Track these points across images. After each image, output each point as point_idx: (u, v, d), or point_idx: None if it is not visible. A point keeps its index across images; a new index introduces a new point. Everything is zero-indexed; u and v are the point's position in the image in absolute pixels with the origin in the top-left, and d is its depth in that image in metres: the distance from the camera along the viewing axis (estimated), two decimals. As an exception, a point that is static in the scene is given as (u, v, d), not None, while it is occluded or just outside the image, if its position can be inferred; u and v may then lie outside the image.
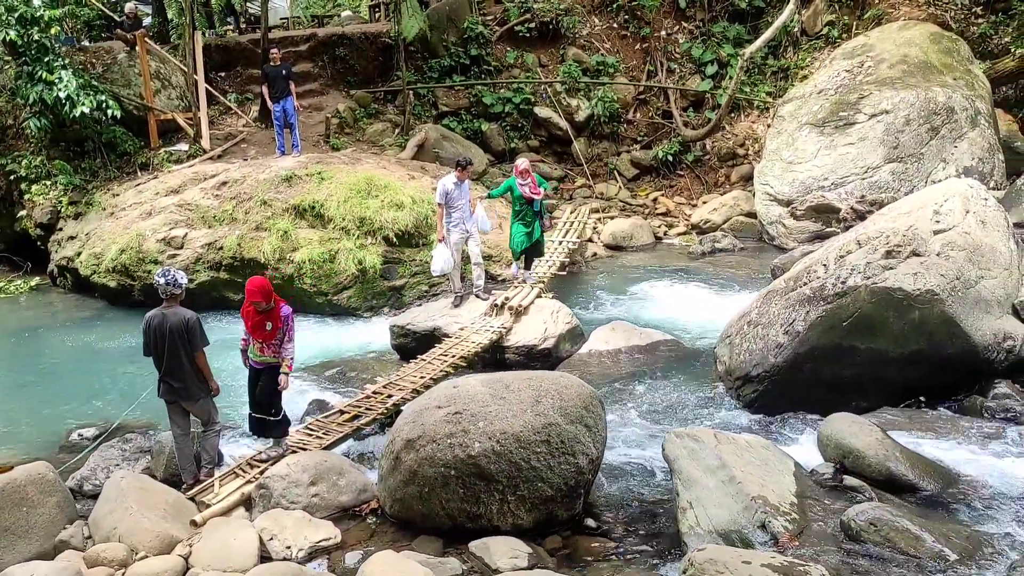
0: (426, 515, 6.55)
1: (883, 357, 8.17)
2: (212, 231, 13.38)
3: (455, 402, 6.80)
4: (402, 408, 8.17)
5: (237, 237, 13.09)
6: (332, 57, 19.60)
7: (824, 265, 8.81)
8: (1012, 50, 17.28)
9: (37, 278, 15.63)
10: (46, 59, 14.65)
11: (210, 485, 7.28)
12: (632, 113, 20.48)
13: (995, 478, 6.85)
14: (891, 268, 8.26)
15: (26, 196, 15.57)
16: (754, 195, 16.84)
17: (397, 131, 18.51)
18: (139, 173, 15.72)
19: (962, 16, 18.27)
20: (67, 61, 15.04)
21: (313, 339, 11.96)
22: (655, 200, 18.83)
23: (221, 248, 13.10)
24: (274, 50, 15.79)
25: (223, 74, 19.31)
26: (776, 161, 16.20)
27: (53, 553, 6.45)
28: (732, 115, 19.46)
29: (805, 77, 18.28)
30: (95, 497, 7.08)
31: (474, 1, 21.38)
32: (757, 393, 8.65)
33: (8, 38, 14.40)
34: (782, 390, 8.49)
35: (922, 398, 8.39)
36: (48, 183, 15.47)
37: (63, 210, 15.22)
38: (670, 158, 19.21)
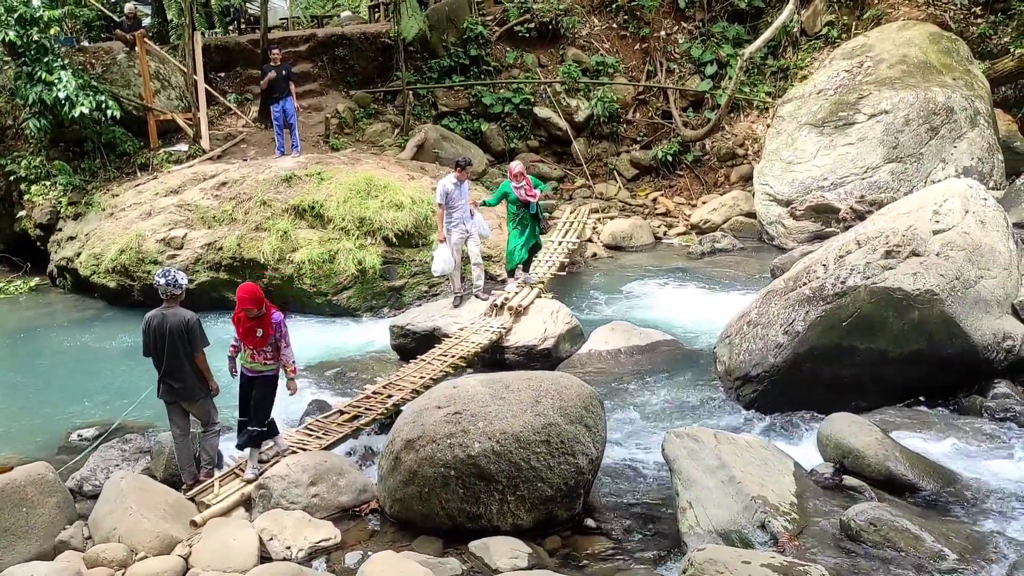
0: (426, 515, 6.55)
1: (883, 357, 8.18)
2: (212, 231, 13.38)
3: (455, 402, 6.80)
4: (402, 408, 8.17)
5: (237, 237, 13.09)
6: (332, 57, 19.60)
7: (824, 265, 8.81)
8: (1011, 50, 17.28)
9: (37, 278, 15.62)
10: (45, 59, 14.65)
11: (210, 485, 7.28)
12: (632, 113, 20.49)
13: (995, 478, 6.85)
14: (891, 268, 8.26)
15: (26, 196, 15.57)
16: (754, 195, 16.84)
17: (397, 131, 18.51)
18: (139, 173, 15.72)
19: (961, 16, 18.28)
20: (67, 61, 15.04)
21: (313, 339, 11.96)
22: (655, 200, 18.84)
23: (221, 248, 13.10)
24: (275, 50, 15.78)
25: (223, 74, 19.30)
26: (776, 161, 16.20)
27: (53, 553, 6.45)
28: (732, 115, 19.47)
29: (804, 77, 18.28)
30: (95, 497, 7.07)
31: (474, 1, 21.39)
32: (757, 393, 8.66)
33: (7, 38, 14.40)
34: (782, 390, 8.49)
35: (922, 398, 8.39)
36: (48, 183, 15.47)
37: (63, 210, 15.22)
38: (670, 158, 19.21)
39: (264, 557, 6.21)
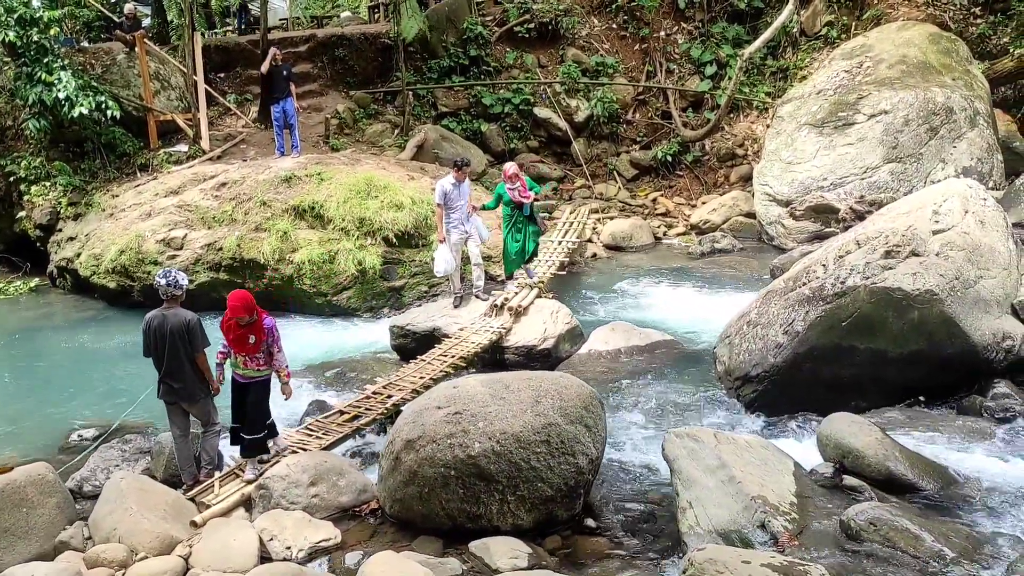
0: (426, 515, 6.55)
1: (882, 357, 8.18)
2: (212, 232, 13.39)
3: (455, 402, 6.80)
4: (402, 408, 8.17)
5: (237, 238, 13.10)
6: (331, 58, 19.61)
7: (823, 265, 8.82)
8: (1011, 50, 17.28)
9: (36, 279, 15.63)
10: (45, 60, 14.67)
11: (210, 486, 7.28)
12: (631, 113, 20.50)
13: (995, 477, 6.86)
14: (890, 268, 8.27)
15: (25, 197, 15.58)
16: (753, 195, 16.85)
17: (396, 132, 18.52)
18: (138, 174, 15.73)
19: (961, 16, 18.29)
20: (66, 62, 15.06)
21: (313, 340, 11.97)
22: (654, 200, 18.85)
23: (221, 249, 13.11)
24: (274, 50, 15.77)
25: (222, 75, 19.31)
26: (775, 161, 16.20)
27: (53, 554, 6.45)
28: (731, 115, 19.48)
29: (804, 77, 18.29)
30: (95, 498, 7.07)
31: (473, 2, 21.40)
32: (757, 393, 8.66)
33: (7, 39, 14.42)
34: (781, 390, 8.50)
35: (921, 398, 8.39)
36: (47, 184, 15.48)
37: (62, 211, 15.23)
38: (669, 158, 19.23)
39: (264, 557, 6.21)
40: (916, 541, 5.72)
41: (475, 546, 6.17)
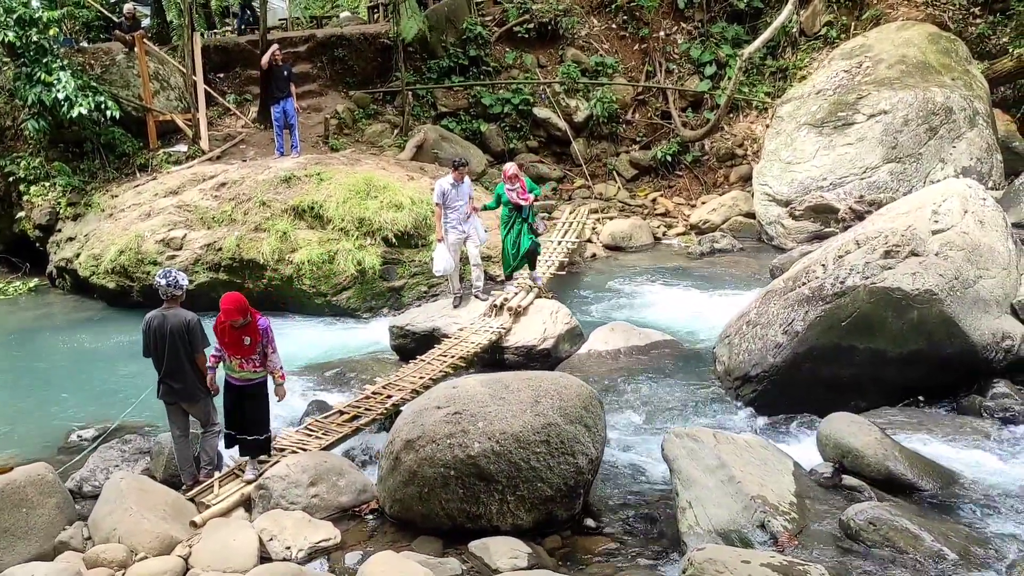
0: (426, 515, 6.55)
1: (882, 357, 8.18)
2: (211, 232, 13.38)
3: (454, 402, 6.80)
4: (401, 408, 8.17)
5: (236, 238, 13.09)
6: (331, 58, 19.61)
7: (823, 265, 8.82)
8: (1010, 50, 17.29)
9: (36, 279, 15.64)
10: (44, 60, 14.67)
11: (209, 486, 7.28)
12: (631, 114, 20.50)
13: (994, 477, 6.86)
14: (890, 268, 8.28)
15: (25, 197, 15.58)
16: (753, 195, 16.86)
17: (396, 132, 18.52)
18: (138, 174, 15.73)
19: (960, 16, 18.29)
20: (66, 62, 15.06)
21: (312, 340, 11.97)
22: (654, 200, 18.85)
23: (220, 249, 13.11)
24: (275, 47, 15.75)
25: (222, 75, 19.31)
26: (775, 161, 16.21)
27: (53, 554, 6.44)
28: (731, 115, 19.48)
29: (804, 77, 18.30)
30: (95, 498, 7.06)
31: (473, 2, 21.40)
32: (756, 393, 8.66)
33: (7, 39, 14.41)
34: (781, 390, 8.50)
35: (921, 398, 8.40)
36: (47, 184, 15.48)
37: (62, 211, 15.23)
38: (669, 158, 19.23)
39: (264, 557, 6.21)
40: (916, 541, 5.72)
41: (475, 546, 6.17)
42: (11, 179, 15.71)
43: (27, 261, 16.22)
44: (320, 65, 19.58)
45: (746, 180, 18.11)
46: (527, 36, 20.83)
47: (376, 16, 23.18)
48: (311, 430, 8.10)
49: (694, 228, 17.28)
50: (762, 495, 6.11)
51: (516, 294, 11.33)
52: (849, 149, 15.30)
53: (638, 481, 7.43)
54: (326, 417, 8.39)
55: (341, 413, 8.41)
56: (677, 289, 13.49)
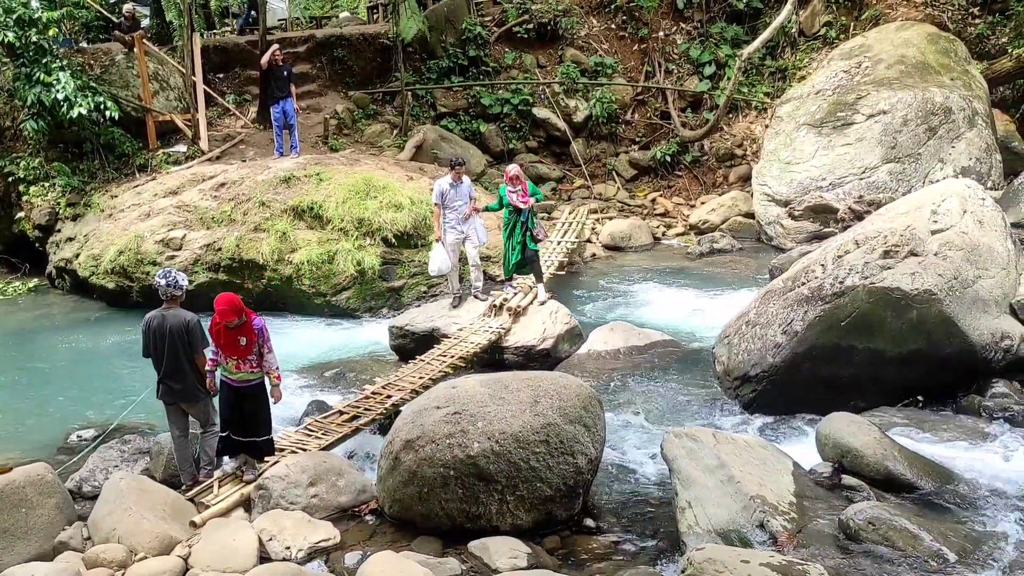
0: (425, 515, 6.56)
1: (881, 357, 8.19)
2: (211, 232, 13.39)
3: (454, 402, 6.81)
4: (401, 408, 8.18)
5: (236, 238, 13.10)
6: (330, 58, 19.60)
7: (822, 265, 8.82)
8: (1009, 50, 17.29)
9: (35, 280, 15.63)
10: (44, 61, 14.65)
11: (209, 486, 7.28)
12: (630, 114, 20.50)
13: (993, 477, 6.86)
14: (889, 268, 8.28)
15: (24, 198, 15.57)
16: (752, 195, 16.86)
17: (395, 132, 18.52)
18: (137, 174, 15.72)
19: (959, 17, 18.31)
20: (65, 63, 15.04)
21: (312, 340, 11.98)
22: (653, 201, 18.85)
23: (220, 249, 13.11)
24: (275, 47, 15.75)
25: (221, 75, 19.31)
26: (774, 161, 16.22)
27: (52, 554, 6.44)
28: (730, 116, 19.48)
29: (803, 78, 18.30)
30: (94, 498, 7.06)
31: (472, 2, 21.40)
32: (756, 393, 8.66)
33: (6, 40, 14.39)
34: (780, 390, 8.50)
35: (920, 398, 8.40)
36: (46, 184, 15.48)
37: (61, 211, 15.23)
38: (668, 159, 19.23)
39: (264, 557, 6.21)
40: (915, 540, 5.72)
41: (474, 546, 6.18)
42: (10, 179, 15.70)
43: (26, 261, 16.21)
44: (319, 65, 19.58)
45: (745, 180, 18.11)
46: (526, 36, 20.82)
47: (375, 16, 23.16)
48: (310, 430, 8.11)
49: (693, 228, 17.28)
50: (761, 495, 6.11)
51: (515, 294, 11.33)
52: (848, 149, 15.30)
53: (637, 481, 7.43)
54: (325, 417, 8.39)
55: (341, 413, 8.41)
56: (676, 289, 13.50)
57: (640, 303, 12.94)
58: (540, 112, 19.73)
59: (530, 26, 20.81)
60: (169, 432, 7.48)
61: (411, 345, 10.83)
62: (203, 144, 16.37)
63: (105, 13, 19.66)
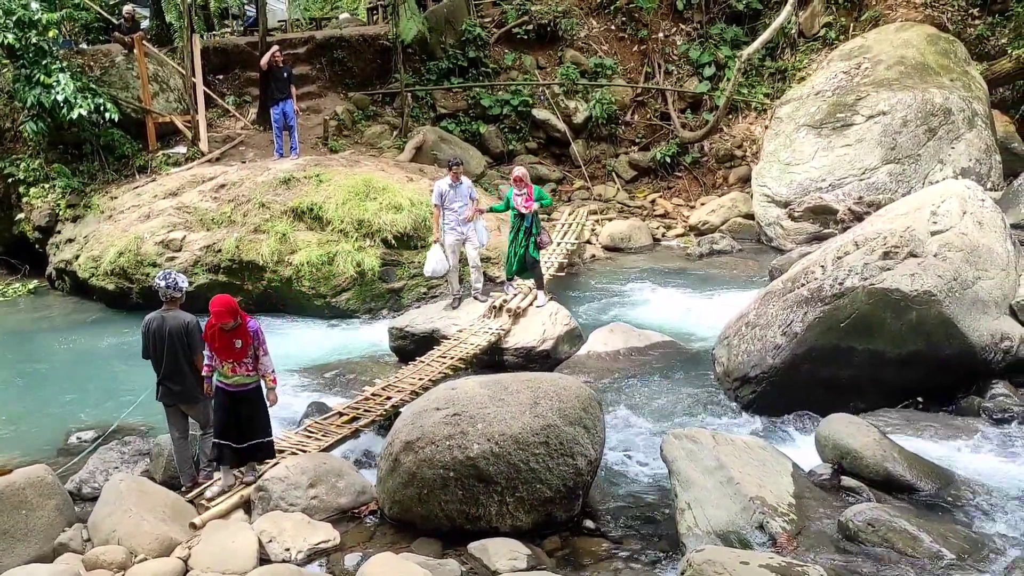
0: (425, 517, 6.56)
1: (881, 358, 8.19)
2: (210, 233, 13.39)
3: (454, 404, 6.81)
4: (401, 410, 8.18)
5: (235, 239, 13.10)
6: (330, 59, 19.61)
7: (822, 266, 8.83)
8: (1009, 51, 17.30)
9: (35, 281, 15.64)
10: (44, 62, 14.66)
11: (208, 487, 7.28)
12: (630, 115, 20.52)
13: (993, 478, 6.87)
14: (888, 269, 8.28)
15: (24, 199, 15.58)
16: (752, 196, 16.86)
17: (395, 133, 18.52)
18: (137, 176, 15.74)
19: (959, 18, 18.31)
20: (65, 64, 15.06)
21: (312, 341, 11.98)
22: (653, 202, 18.86)
23: (220, 250, 13.11)
24: (275, 48, 15.75)
25: (221, 77, 19.32)
26: (774, 162, 16.23)
27: (52, 556, 6.44)
28: (730, 117, 19.50)
29: (803, 79, 18.31)
30: (94, 500, 7.06)
31: (472, 3, 21.41)
32: (755, 394, 8.66)
33: (6, 41, 14.40)
34: (780, 391, 8.50)
35: (920, 399, 8.40)
36: (46, 186, 15.49)
37: (61, 213, 15.24)
38: (668, 160, 19.24)
39: (263, 559, 6.21)
40: (914, 542, 5.72)
41: (474, 547, 6.18)
42: (10, 181, 15.71)
43: (26, 263, 16.22)
44: (319, 67, 19.58)
45: (745, 181, 18.11)
46: (526, 37, 20.84)
47: (375, 17, 23.17)
48: (310, 432, 8.11)
49: (693, 229, 17.29)
50: (761, 496, 6.11)
51: (515, 296, 11.32)
52: (848, 150, 15.31)
53: (637, 482, 7.43)
54: (325, 419, 8.39)
55: (340, 415, 8.41)
56: (676, 290, 13.50)
57: (640, 304, 12.95)
58: (540, 113, 19.75)
59: (530, 27, 20.82)
60: (169, 434, 7.48)
61: (411, 346, 10.83)
62: (203, 145, 16.37)
63: (105, 15, 19.66)
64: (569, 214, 16.58)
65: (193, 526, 6.66)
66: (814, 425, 7.85)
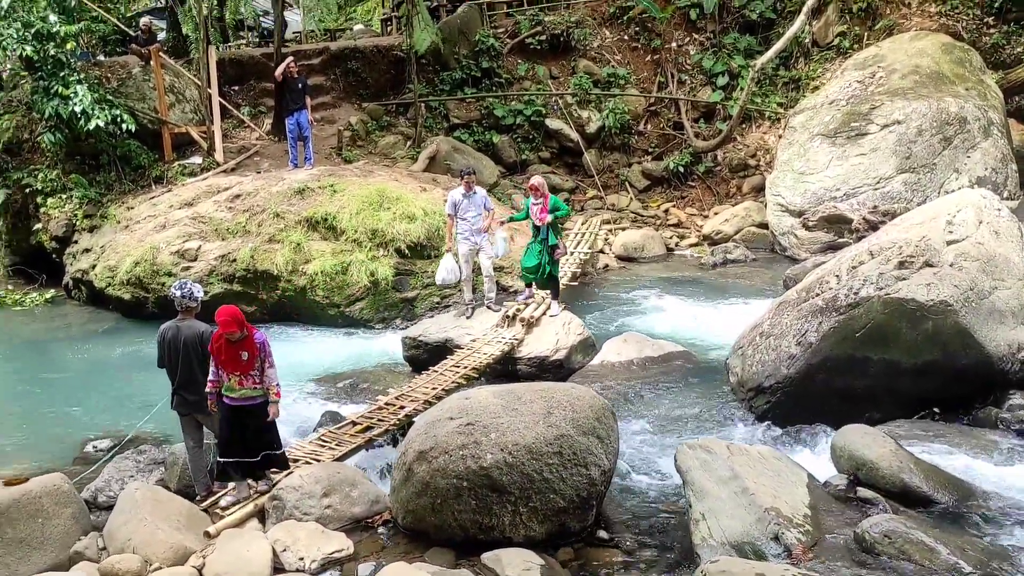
0: (438, 527, 6.55)
1: (896, 368, 8.13)
2: (225, 243, 13.47)
3: (467, 413, 6.81)
4: (414, 419, 8.18)
5: (250, 249, 13.17)
6: (344, 70, 19.74)
7: (836, 276, 8.79)
8: (1024, 60, 17.24)
9: (52, 291, 15.77)
10: (62, 74, 14.83)
11: (223, 496, 7.29)
12: (643, 124, 20.53)
13: (1011, 490, 6.79)
14: (904, 279, 8.23)
15: (42, 209, 15.74)
16: (766, 206, 16.82)
17: (409, 143, 18.60)
18: (153, 186, 15.85)
19: (974, 26, 18.22)
20: (82, 76, 15.22)
21: (325, 350, 12.02)
22: (666, 211, 18.85)
23: (234, 260, 13.19)
24: (290, 59, 15.86)
25: (236, 88, 19.47)
26: (788, 172, 16.18)
27: (68, 564, 6.48)
28: (743, 126, 19.47)
29: (816, 88, 18.28)
30: (109, 508, 7.10)
31: (485, 14, 21.51)
32: (770, 404, 8.62)
33: (25, 53, 14.58)
34: (795, 401, 8.46)
35: (936, 409, 8.33)
36: (63, 196, 15.63)
37: (78, 223, 15.37)
38: (681, 169, 19.24)
39: (277, 568, 6.22)
40: (931, 554, 5.67)
41: (487, 558, 6.16)
42: (28, 191, 15.88)
43: (44, 272, 16.37)
44: (334, 77, 19.71)
45: (759, 191, 18.08)
46: (539, 48, 20.91)
47: (389, 29, 23.33)
48: (324, 441, 8.12)
49: (707, 239, 17.25)
50: (776, 507, 6.08)
51: (528, 305, 11.33)
52: (862, 159, 15.26)
53: (651, 493, 7.40)
54: (339, 428, 8.40)
55: (354, 424, 8.42)
56: (690, 300, 13.46)
57: (653, 314, 12.91)
58: (553, 123, 19.79)
59: (543, 37, 20.89)
60: (183, 443, 7.51)
61: (424, 356, 10.84)
62: (218, 156, 16.49)
63: (122, 27, 19.87)
64: (582, 223, 16.59)
65: (207, 535, 6.68)
66: (829, 436, 7.80)
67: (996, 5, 18.14)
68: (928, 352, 8.09)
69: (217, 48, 19.24)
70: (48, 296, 15.56)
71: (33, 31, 14.58)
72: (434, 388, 9.14)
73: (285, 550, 6.35)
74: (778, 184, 16.23)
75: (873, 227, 13.16)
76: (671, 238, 17.44)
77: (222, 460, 7.04)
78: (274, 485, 7.15)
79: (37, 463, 8.58)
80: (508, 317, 10.95)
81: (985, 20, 18.40)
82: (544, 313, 11.14)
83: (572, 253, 14.30)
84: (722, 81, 20.24)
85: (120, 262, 13.80)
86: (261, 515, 7.04)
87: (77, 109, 14.59)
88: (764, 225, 16.81)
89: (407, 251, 13.22)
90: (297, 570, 6.20)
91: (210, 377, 6.95)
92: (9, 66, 17.77)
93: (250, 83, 19.56)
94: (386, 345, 12.02)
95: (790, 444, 8.12)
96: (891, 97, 15.64)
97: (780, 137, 17.91)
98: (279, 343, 12.22)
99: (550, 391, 7.09)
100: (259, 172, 15.91)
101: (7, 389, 11.55)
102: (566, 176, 19.71)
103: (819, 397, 8.34)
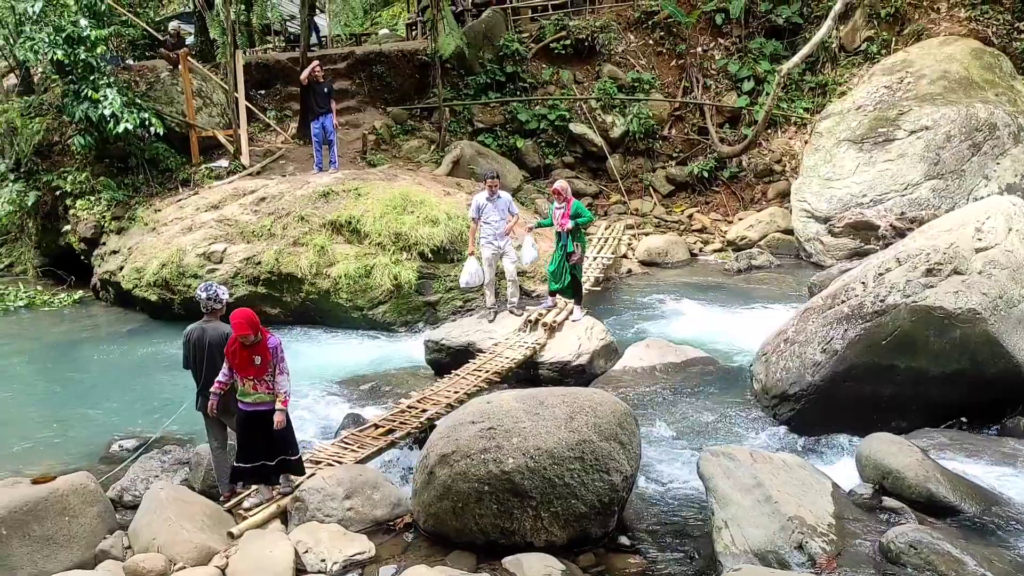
0: (460, 530, 6.55)
1: (923, 376, 8.04)
2: (251, 246, 13.58)
3: (489, 417, 6.81)
4: (436, 423, 8.20)
5: (275, 252, 13.27)
6: (369, 74, 19.85)
7: (863, 283, 8.71)
8: (1056, 66, 17.00)
9: (80, 292, 15.97)
10: (92, 77, 15.02)
11: (247, 497, 7.34)
12: (667, 129, 20.46)
13: (1039, 501, 6.70)
14: (931, 286, 8.14)
15: (71, 211, 15.95)
16: (791, 212, 16.71)
17: (433, 147, 18.66)
18: (180, 189, 16.02)
19: (1004, 32, 18.00)
20: (112, 79, 15.41)
21: (348, 353, 12.07)
22: (690, 216, 18.77)
23: (259, 263, 13.29)
24: (316, 63, 15.97)
25: (263, 92, 19.64)
26: (814, 177, 16.07)
27: (94, 562, 6.55)
28: (769, 131, 19.35)
29: (843, 93, 18.14)
30: (135, 507, 7.17)
31: (510, 19, 21.56)
32: (794, 412, 8.56)
33: (56, 57, 14.79)
34: (819, 409, 8.38)
35: (963, 419, 8.22)
36: (92, 198, 15.83)
37: (106, 225, 15.56)
38: (706, 174, 19.15)
39: (299, 569, 6.25)
40: (958, 565, 5.60)
41: (508, 562, 6.16)
42: (58, 193, 16.11)
43: (72, 274, 16.61)
44: (359, 81, 19.83)
45: (784, 196, 17.96)
46: (564, 52, 20.90)
47: (414, 33, 23.42)
48: (346, 443, 8.15)
49: (731, 244, 17.17)
50: (800, 516, 6.03)
51: (551, 310, 11.31)
52: (890, 165, 15.12)
53: (673, 499, 7.36)
54: (361, 430, 8.43)
55: (376, 427, 8.45)
56: (713, 306, 13.40)
57: (676, 319, 12.86)
58: (577, 128, 19.78)
59: (568, 42, 20.88)
60: (208, 443, 7.58)
61: (446, 359, 10.86)
62: (244, 159, 16.63)
63: (151, 31, 20.13)
64: (606, 228, 16.57)
65: (231, 535, 6.72)
66: (854, 444, 7.72)
67: (1027, 10, 17.94)
68: (956, 361, 7.99)
69: (244, 52, 19.45)
70: (76, 297, 15.76)
71: (64, 35, 14.79)
72: (456, 392, 9.15)
73: (307, 551, 6.38)
74: (804, 190, 16.12)
75: (900, 234, 13.04)
76: (695, 243, 17.38)
77: (236, 464, 7.06)
78: (296, 487, 7.18)
79: (64, 462, 8.69)
80: (530, 321, 10.95)
81: (1016, 25, 18.16)
82: (567, 318, 11.13)
83: (595, 258, 14.27)
84: (748, 86, 20.13)
85: (147, 264, 13.95)
86: (284, 516, 7.08)
87: (107, 112, 14.78)
88: (789, 231, 16.70)
89: (430, 255, 13.26)
90: (319, 571, 6.22)
91: (219, 378, 6.96)
92: (40, 70, 18.05)
93: (276, 87, 19.73)
94: (408, 348, 12.07)
95: (814, 452, 8.05)
96: (919, 103, 15.50)
97: (806, 142, 17.79)
98: (303, 345, 12.32)
99: (572, 396, 7.07)
100: (284, 175, 16.03)
101: (35, 388, 11.71)
102: (590, 181, 19.69)
103: (844, 405, 8.26)
